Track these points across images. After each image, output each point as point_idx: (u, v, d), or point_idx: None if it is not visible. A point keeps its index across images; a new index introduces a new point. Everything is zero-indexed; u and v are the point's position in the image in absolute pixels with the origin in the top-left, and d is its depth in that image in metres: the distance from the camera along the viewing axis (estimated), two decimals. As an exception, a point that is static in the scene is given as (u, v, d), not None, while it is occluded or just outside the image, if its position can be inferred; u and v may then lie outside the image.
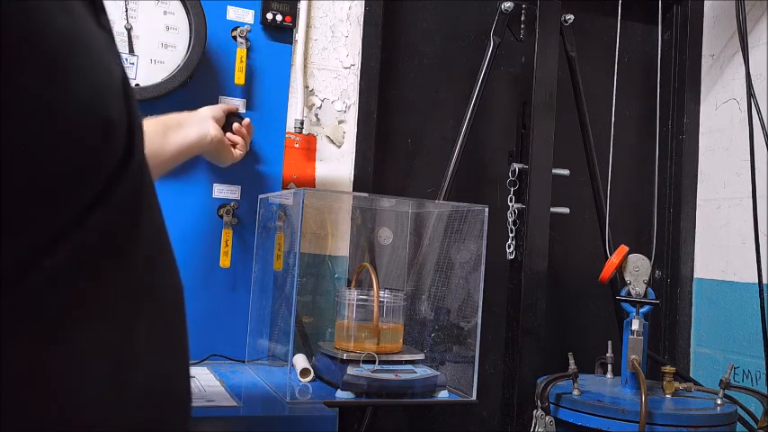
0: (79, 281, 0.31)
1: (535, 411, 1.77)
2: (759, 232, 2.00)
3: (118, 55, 0.37)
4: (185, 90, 1.82)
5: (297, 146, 2.02)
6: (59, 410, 0.30)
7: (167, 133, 1.51)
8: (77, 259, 0.31)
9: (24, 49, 0.29)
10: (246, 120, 1.75)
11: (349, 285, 1.91)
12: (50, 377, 0.30)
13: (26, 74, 0.29)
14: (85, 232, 0.31)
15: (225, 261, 1.84)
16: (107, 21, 0.37)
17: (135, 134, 0.34)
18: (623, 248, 1.88)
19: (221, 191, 1.87)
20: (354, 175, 2.09)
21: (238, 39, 1.87)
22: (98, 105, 0.32)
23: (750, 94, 2.03)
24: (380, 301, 1.67)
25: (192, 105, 1.66)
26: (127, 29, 1.75)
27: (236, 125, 1.71)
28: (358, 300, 1.70)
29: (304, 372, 1.65)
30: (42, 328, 0.30)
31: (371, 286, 1.68)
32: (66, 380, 0.31)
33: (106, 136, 0.32)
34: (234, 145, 1.71)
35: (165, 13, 1.78)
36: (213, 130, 1.61)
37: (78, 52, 0.32)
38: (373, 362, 1.58)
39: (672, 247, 2.43)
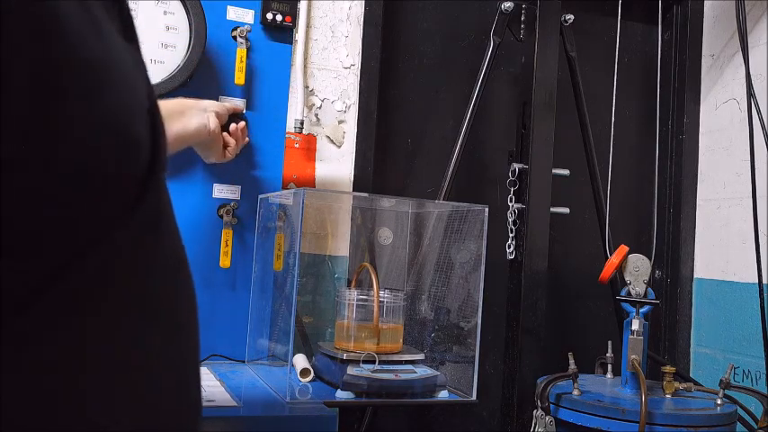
0: (97, 295, 0.32)
1: (535, 411, 1.77)
2: (759, 232, 2.00)
3: (144, 68, 0.38)
4: (185, 90, 1.81)
5: (297, 146, 2.02)
6: (80, 412, 0.31)
7: (169, 120, 1.51)
8: (98, 275, 0.31)
9: (50, 69, 0.29)
10: (241, 123, 1.74)
11: (349, 285, 1.91)
12: (71, 382, 0.31)
13: (49, 94, 0.29)
14: (106, 248, 0.31)
15: (225, 261, 1.84)
16: (134, 33, 0.37)
17: (159, 152, 0.35)
18: (623, 248, 1.88)
19: (221, 191, 1.87)
20: (354, 175, 2.09)
21: (238, 39, 1.87)
22: (121, 126, 0.33)
23: (750, 94, 2.03)
24: (380, 301, 1.67)
25: (192, 105, 1.66)
26: (127, 29, 1.75)
27: (232, 126, 1.71)
28: (358, 300, 1.70)
29: (304, 372, 1.65)
30: (64, 339, 0.31)
31: (371, 286, 1.68)
32: (85, 384, 0.31)
33: (128, 155, 0.33)
34: (226, 146, 1.71)
35: (165, 13, 1.78)
36: (213, 123, 1.61)
37: (104, 73, 0.32)
38: (373, 362, 1.58)
39: (672, 247, 2.43)
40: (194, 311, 0.40)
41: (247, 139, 1.81)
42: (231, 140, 1.71)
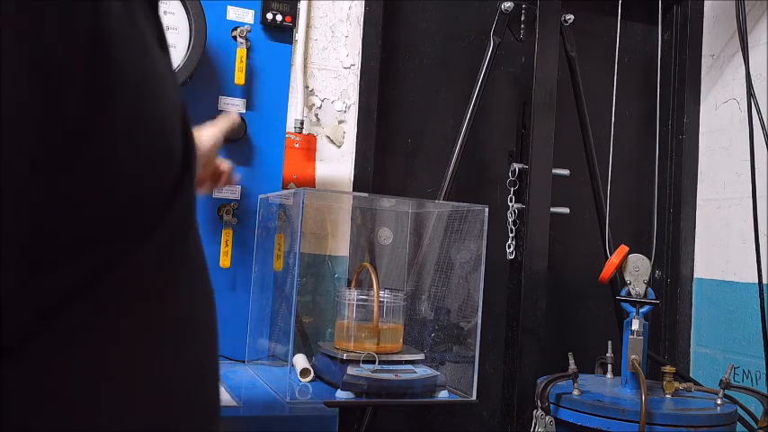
0: (124, 301, 0.32)
1: (535, 411, 1.77)
2: (759, 232, 2.00)
3: (175, 77, 0.38)
4: (185, 90, 1.81)
5: (297, 146, 2.01)
6: (80, 413, 0.32)
7: None
8: (126, 281, 0.32)
9: (101, 76, 0.29)
10: (235, 179, 1.56)
11: (349, 285, 1.91)
12: (82, 385, 0.31)
13: (99, 100, 0.29)
14: (135, 255, 0.32)
15: (225, 261, 1.84)
16: (166, 42, 0.38)
17: (190, 161, 0.36)
18: (623, 248, 1.88)
19: (221, 191, 1.87)
20: (354, 175, 2.09)
21: (238, 39, 1.87)
22: (161, 136, 0.33)
23: (750, 94, 2.03)
24: (380, 301, 1.67)
25: (193, 105, 1.66)
26: (127, 29, 1.75)
27: (223, 172, 1.48)
28: (358, 300, 1.70)
29: (304, 372, 1.65)
30: (83, 346, 0.31)
31: (371, 286, 1.68)
32: (94, 387, 0.32)
33: (164, 166, 0.33)
34: (202, 183, 1.56)
35: (165, 13, 1.78)
36: (199, 168, 1.53)
37: (147, 82, 0.33)
38: (373, 362, 1.58)
39: (672, 247, 2.43)
40: (214, 316, 0.41)
41: (237, 177, 1.64)
42: (205, 188, 1.51)
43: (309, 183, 2.03)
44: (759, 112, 2.02)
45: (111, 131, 0.30)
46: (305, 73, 2.04)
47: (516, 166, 2.04)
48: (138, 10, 0.34)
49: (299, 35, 2.02)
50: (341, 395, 1.53)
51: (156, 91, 0.33)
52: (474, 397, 1.65)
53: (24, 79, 0.26)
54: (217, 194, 1.87)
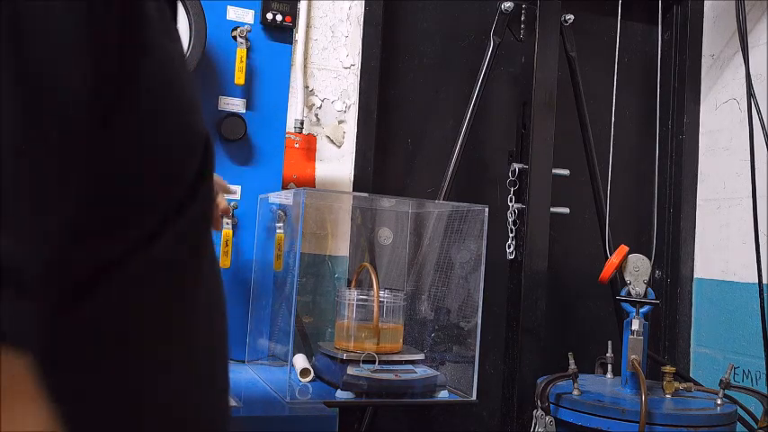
0: (137, 297, 0.32)
1: (535, 411, 1.77)
2: (759, 232, 2.00)
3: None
4: (185, 90, 1.81)
5: (297, 146, 2.01)
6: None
7: None
8: (140, 275, 0.32)
9: (131, 64, 0.30)
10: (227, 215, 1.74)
11: (349, 285, 1.91)
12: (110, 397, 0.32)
13: (129, 85, 0.30)
14: (151, 250, 0.32)
15: (225, 261, 1.84)
16: (179, 37, 0.39)
17: (209, 154, 0.36)
18: (623, 248, 1.88)
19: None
20: (354, 175, 2.09)
21: (238, 39, 1.87)
22: (187, 126, 0.34)
23: (750, 94, 2.03)
24: (380, 301, 1.67)
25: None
26: (127, 29, 1.75)
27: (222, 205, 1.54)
28: (358, 300, 1.69)
29: (304, 372, 1.65)
30: (105, 348, 0.31)
31: (371, 286, 1.68)
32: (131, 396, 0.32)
33: (188, 155, 0.34)
34: None
35: (165, 13, 1.78)
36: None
37: (177, 84, 0.33)
38: (373, 362, 1.58)
39: (672, 247, 2.43)
40: (225, 320, 0.41)
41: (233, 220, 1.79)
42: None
43: (309, 183, 2.03)
44: (759, 112, 2.02)
45: (138, 122, 0.30)
46: (305, 73, 2.04)
47: (516, 166, 2.04)
48: (167, 10, 0.34)
49: (299, 35, 2.02)
50: (341, 395, 1.53)
51: (182, 87, 0.34)
52: (474, 397, 1.65)
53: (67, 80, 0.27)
54: (217, 194, 1.87)
